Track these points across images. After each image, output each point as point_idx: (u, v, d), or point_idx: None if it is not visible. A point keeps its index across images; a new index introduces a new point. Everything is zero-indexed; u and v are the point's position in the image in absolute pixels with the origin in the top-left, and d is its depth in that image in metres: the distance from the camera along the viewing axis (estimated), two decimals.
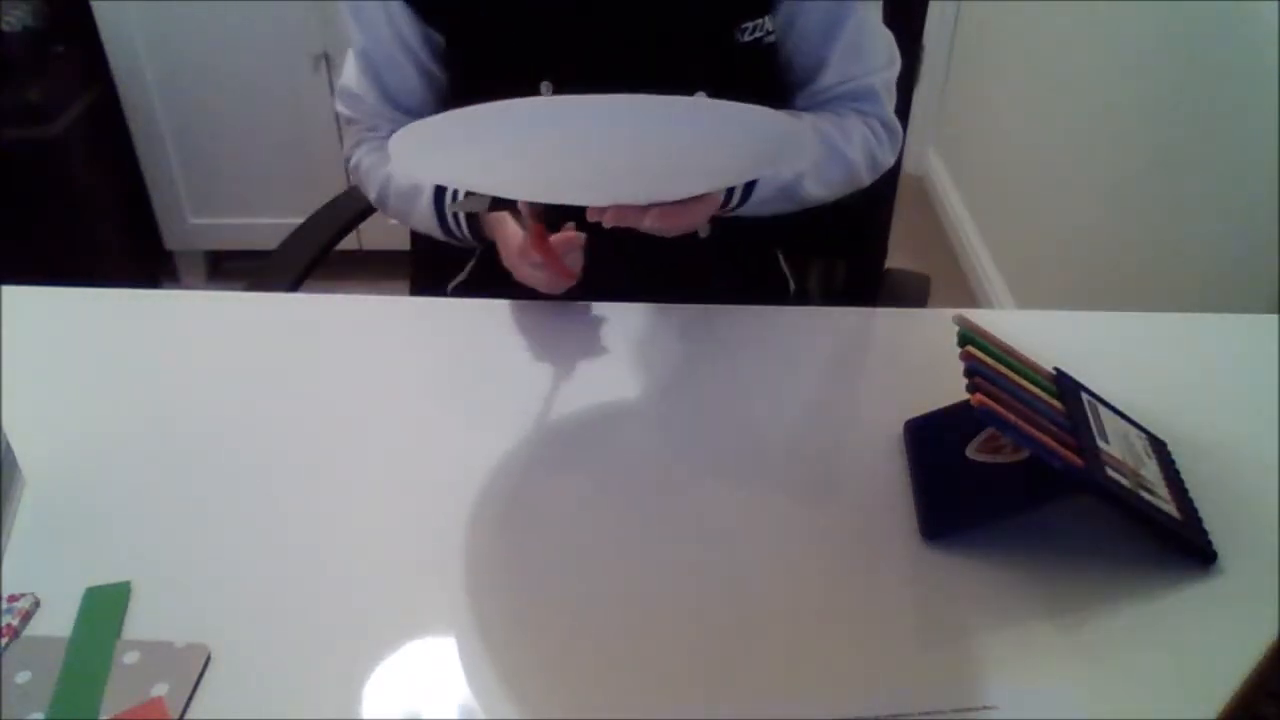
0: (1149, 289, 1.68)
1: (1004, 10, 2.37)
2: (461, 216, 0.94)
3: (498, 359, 0.86)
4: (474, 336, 0.89)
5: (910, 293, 1.17)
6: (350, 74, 1.01)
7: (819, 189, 0.94)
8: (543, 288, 0.87)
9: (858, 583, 0.67)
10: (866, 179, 0.98)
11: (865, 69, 0.96)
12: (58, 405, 0.80)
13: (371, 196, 1.03)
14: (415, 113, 1.01)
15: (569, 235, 0.83)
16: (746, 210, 0.93)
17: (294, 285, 1.09)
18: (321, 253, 1.14)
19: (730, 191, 0.88)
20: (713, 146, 0.68)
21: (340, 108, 1.03)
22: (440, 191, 0.94)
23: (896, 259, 1.23)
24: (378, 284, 0.99)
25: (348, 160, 1.05)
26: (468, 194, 0.87)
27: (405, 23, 0.94)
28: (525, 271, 0.86)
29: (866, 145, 0.96)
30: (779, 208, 0.95)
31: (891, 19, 0.97)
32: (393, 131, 0.97)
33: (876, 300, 1.17)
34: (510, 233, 0.86)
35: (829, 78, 0.95)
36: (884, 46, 0.97)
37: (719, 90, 0.90)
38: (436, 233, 0.97)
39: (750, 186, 0.90)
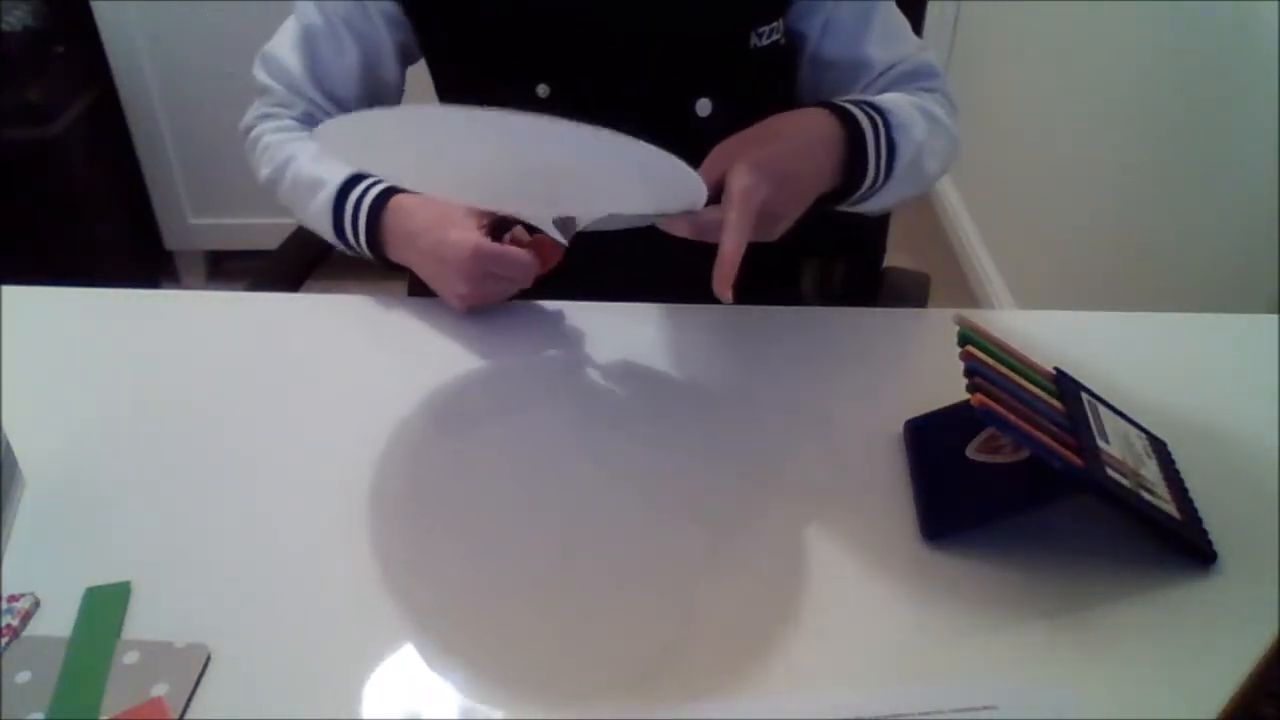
0: (1149, 289, 1.68)
1: (1004, 10, 2.37)
2: (361, 222, 0.88)
3: (499, 359, 0.86)
4: (475, 336, 0.89)
5: (910, 292, 1.17)
6: (283, 42, 0.96)
7: (934, 163, 0.91)
8: (492, 301, 0.87)
9: (858, 583, 0.67)
10: (955, 153, 0.95)
11: (908, 49, 0.95)
12: (58, 405, 0.80)
13: (261, 174, 0.97)
14: (341, 100, 0.98)
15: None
16: (876, 203, 0.90)
17: (295, 285, 1.08)
18: (322, 252, 1.14)
19: (855, 184, 0.85)
20: (615, 180, 0.70)
21: (259, 74, 0.98)
22: (344, 192, 0.89)
23: (896, 259, 1.23)
24: (378, 284, 0.99)
25: (247, 129, 1.00)
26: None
27: (378, 11, 0.92)
28: (467, 284, 0.83)
29: (950, 116, 0.94)
30: (907, 193, 0.91)
31: None
32: (306, 115, 0.96)
33: (876, 299, 1.17)
34: (460, 236, 0.82)
35: (878, 66, 0.93)
36: (909, 28, 0.97)
37: (726, 96, 0.90)
38: (327, 233, 0.92)
39: (878, 180, 0.86)
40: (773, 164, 0.74)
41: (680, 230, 0.75)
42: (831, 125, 0.82)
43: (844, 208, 0.89)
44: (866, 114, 0.84)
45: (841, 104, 0.85)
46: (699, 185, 0.69)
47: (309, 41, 0.95)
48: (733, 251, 0.71)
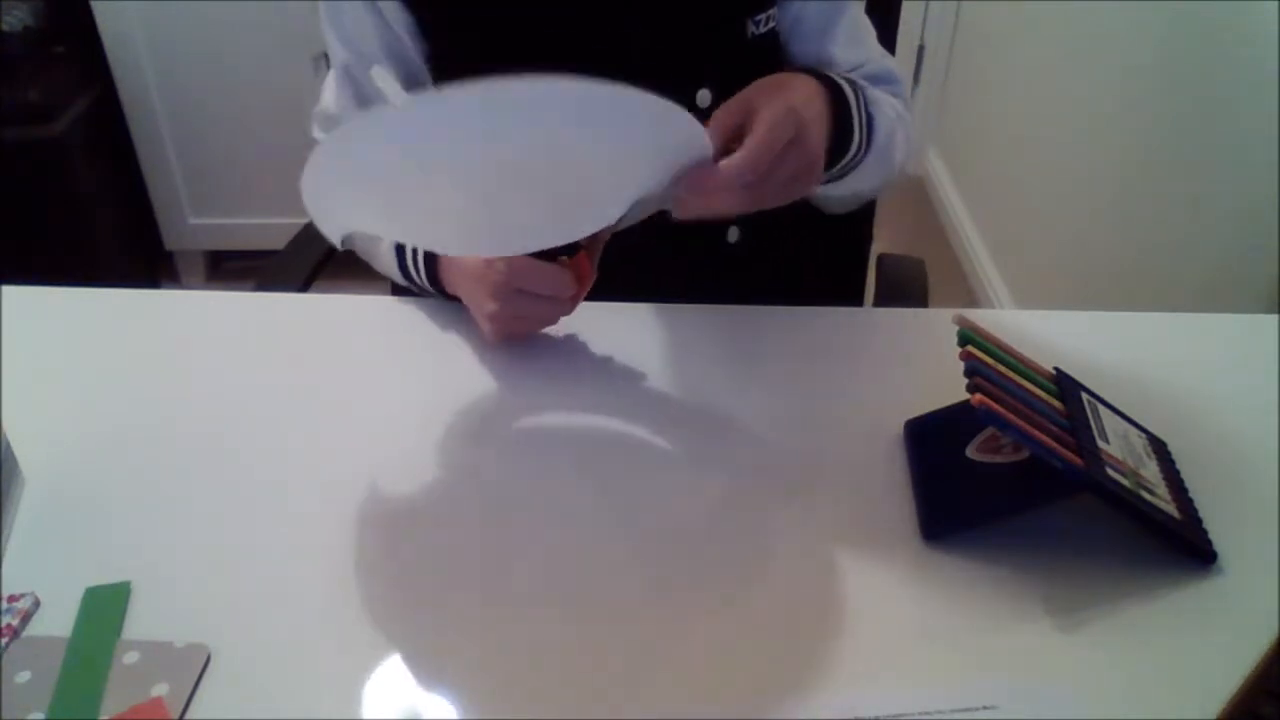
0: (1149, 289, 1.68)
1: (1004, 10, 2.37)
2: (421, 263, 0.87)
3: (501, 361, 0.86)
4: (477, 338, 0.88)
5: (906, 278, 1.16)
6: (329, 96, 0.95)
7: (899, 154, 0.92)
8: (525, 327, 0.85)
9: (858, 583, 0.67)
10: (913, 152, 0.96)
11: (869, 54, 0.96)
12: (58, 405, 0.80)
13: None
14: None
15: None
16: (849, 184, 0.89)
17: (304, 285, 1.08)
18: (331, 252, 1.13)
19: (835, 155, 0.83)
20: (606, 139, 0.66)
21: (317, 135, 0.97)
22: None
23: None
24: (380, 284, 0.99)
25: None
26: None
27: (398, 23, 0.91)
28: (496, 300, 0.80)
29: (906, 118, 0.95)
30: (874, 180, 0.91)
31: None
32: None
33: (866, 287, 1.16)
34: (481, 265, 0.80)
35: (840, 66, 0.94)
36: (874, 35, 0.99)
37: (725, 86, 0.91)
38: (398, 278, 0.92)
39: (856, 151, 0.85)
40: (798, 111, 0.73)
41: (693, 209, 0.73)
42: (821, 90, 0.82)
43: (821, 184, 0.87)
44: (849, 83, 0.85)
45: (824, 73, 0.85)
46: (699, 130, 0.67)
47: (348, 79, 0.93)
48: (737, 173, 0.69)
